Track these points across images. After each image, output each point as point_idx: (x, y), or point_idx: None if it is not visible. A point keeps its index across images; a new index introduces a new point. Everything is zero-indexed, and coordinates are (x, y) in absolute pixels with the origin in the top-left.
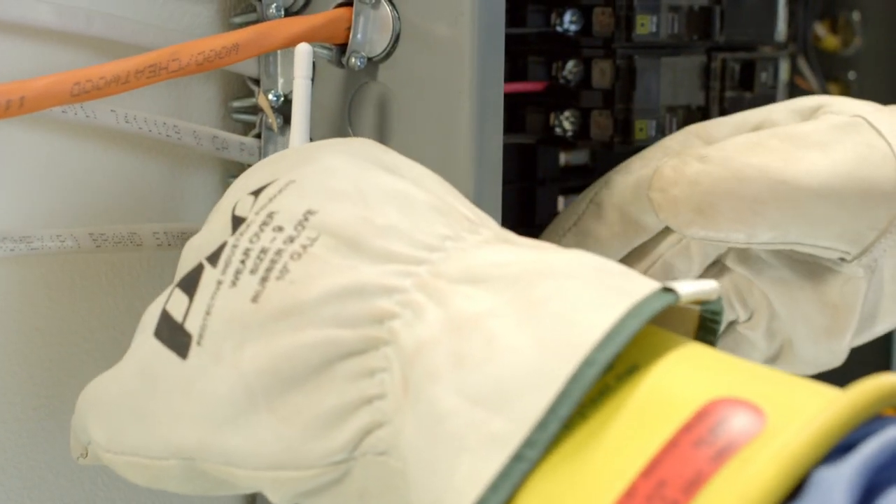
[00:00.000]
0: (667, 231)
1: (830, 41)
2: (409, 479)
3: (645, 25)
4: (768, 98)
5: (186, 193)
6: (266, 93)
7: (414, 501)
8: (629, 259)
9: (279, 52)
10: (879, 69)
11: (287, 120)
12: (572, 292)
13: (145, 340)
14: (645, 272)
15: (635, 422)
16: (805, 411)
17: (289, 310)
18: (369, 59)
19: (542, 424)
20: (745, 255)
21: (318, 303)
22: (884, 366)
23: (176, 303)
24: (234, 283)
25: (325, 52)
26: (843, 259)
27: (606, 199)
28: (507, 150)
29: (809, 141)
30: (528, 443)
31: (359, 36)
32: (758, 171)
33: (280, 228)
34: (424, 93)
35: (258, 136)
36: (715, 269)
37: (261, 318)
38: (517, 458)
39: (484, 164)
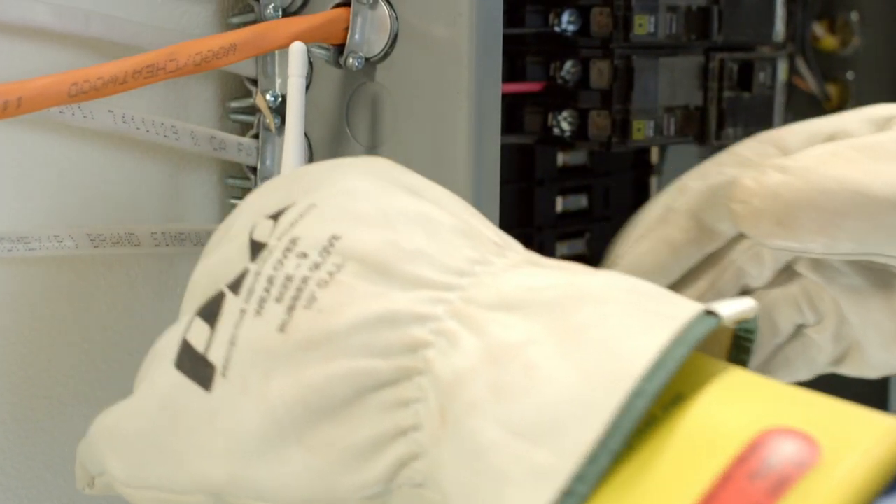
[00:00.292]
0: (740, 236)
1: (829, 41)
2: None
3: (643, 26)
4: (766, 99)
5: (184, 194)
6: (264, 93)
7: None
8: (702, 265)
9: (277, 52)
10: (878, 69)
11: (285, 120)
12: (612, 318)
13: (165, 372)
14: (718, 278)
15: (686, 454)
16: (861, 441)
17: (318, 339)
18: (367, 60)
19: (592, 458)
20: (817, 263)
21: (348, 332)
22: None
23: (197, 332)
24: (258, 312)
25: (322, 52)
26: None
27: (682, 205)
28: (505, 150)
29: (887, 152)
30: (579, 477)
31: (356, 36)
32: (838, 183)
33: (304, 255)
34: (422, 93)
35: (256, 136)
36: (785, 274)
37: (288, 349)
38: (568, 492)
39: (482, 165)
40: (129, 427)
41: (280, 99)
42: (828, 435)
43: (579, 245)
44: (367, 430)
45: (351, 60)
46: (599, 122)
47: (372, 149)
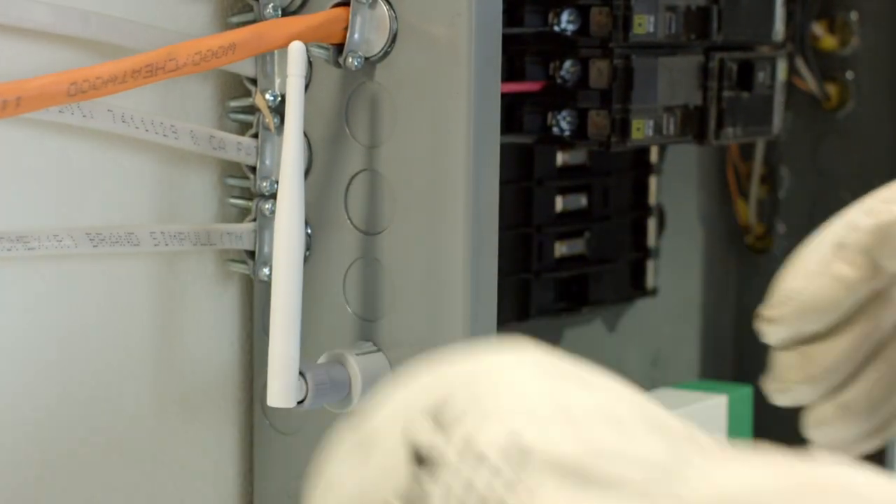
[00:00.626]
0: None
1: (828, 41)
2: None
3: (642, 25)
4: (766, 98)
5: (183, 193)
6: (263, 92)
7: None
8: (871, 303)
9: (276, 51)
10: (877, 69)
11: (284, 120)
12: None
13: None
14: (879, 313)
15: None
16: None
17: None
18: (366, 59)
19: None
20: None
21: None
22: None
23: None
24: None
25: (322, 51)
26: None
27: (854, 242)
28: (505, 149)
29: None
30: None
31: (356, 36)
32: None
33: (488, 463)
34: (421, 92)
35: (255, 135)
36: None
37: None
38: None
39: (481, 164)
40: None
41: (279, 98)
42: None
43: (579, 245)
44: None
45: (350, 60)
46: (599, 122)
47: (371, 148)
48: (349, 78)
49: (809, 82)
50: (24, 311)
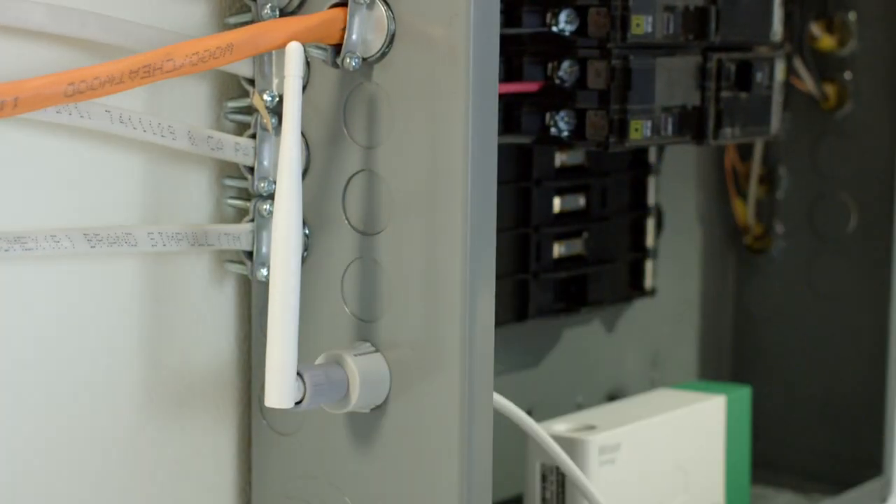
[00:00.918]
0: None
1: (826, 41)
2: None
3: (640, 26)
4: (764, 98)
5: (181, 194)
6: (261, 93)
7: None
8: None
9: (274, 52)
10: (875, 69)
11: (282, 120)
12: None
13: None
14: None
15: None
16: None
17: None
18: (364, 60)
19: None
20: None
21: None
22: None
23: None
24: None
25: (319, 52)
26: None
27: None
28: (503, 150)
29: None
30: None
31: (353, 36)
32: None
33: None
34: (419, 93)
35: (253, 136)
36: None
37: None
38: None
39: (479, 165)
40: None
41: (277, 99)
42: None
43: (577, 245)
44: None
45: (348, 60)
46: (597, 122)
47: (369, 148)
48: (347, 78)
49: (808, 82)
50: (20, 311)
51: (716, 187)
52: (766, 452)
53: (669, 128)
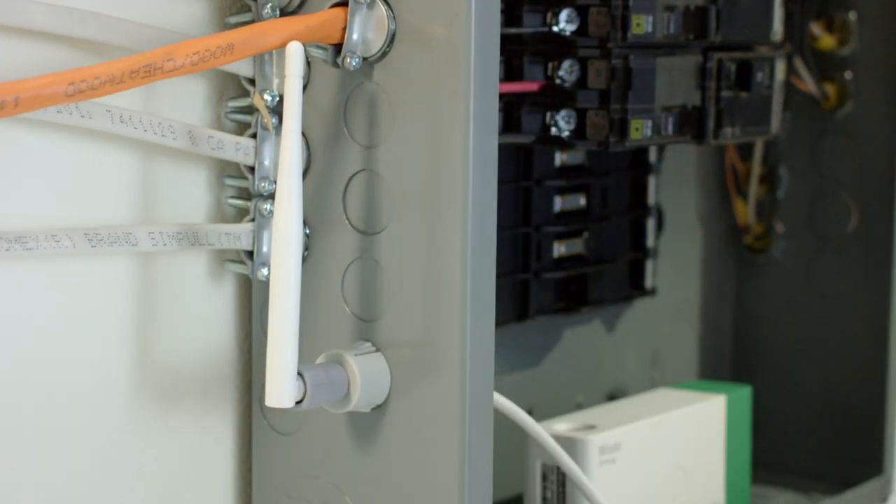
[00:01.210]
0: None
1: (827, 41)
2: None
3: (640, 25)
4: (764, 98)
5: (181, 194)
6: (261, 93)
7: None
8: None
9: (274, 52)
10: (876, 69)
11: (283, 120)
12: None
13: None
14: None
15: None
16: None
17: None
18: (364, 60)
19: None
20: None
21: None
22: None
23: None
24: None
25: (320, 52)
26: None
27: None
28: (503, 150)
29: None
30: None
31: (354, 36)
32: None
33: None
34: (420, 93)
35: (254, 136)
36: None
37: None
38: None
39: (480, 165)
40: None
41: (277, 99)
42: None
43: (577, 245)
44: None
45: (348, 60)
46: (597, 122)
47: (370, 148)
48: (347, 78)
49: (808, 82)
50: (21, 310)
51: (716, 187)
52: (767, 452)
53: (670, 127)
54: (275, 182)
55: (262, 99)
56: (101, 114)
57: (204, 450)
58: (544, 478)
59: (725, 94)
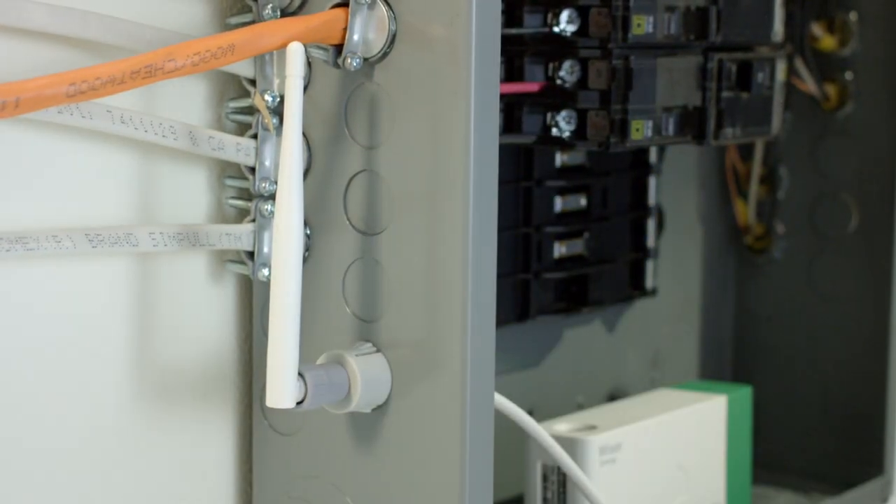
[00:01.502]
0: None
1: (827, 41)
2: None
3: (641, 26)
4: (765, 99)
5: (182, 194)
6: (262, 93)
7: None
8: None
9: (275, 52)
10: (876, 69)
11: (283, 120)
12: None
13: None
14: None
15: None
16: None
17: None
18: (365, 60)
19: None
20: None
21: None
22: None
23: None
24: None
25: (321, 52)
26: None
27: None
28: (504, 150)
29: None
30: None
31: (355, 37)
32: None
33: None
34: (420, 93)
35: (254, 136)
36: None
37: None
38: None
39: (480, 165)
40: None
41: (278, 99)
42: None
43: (578, 245)
44: None
45: (349, 61)
46: (598, 123)
47: (370, 149)
48: (348, 79)
49: (808, 83)
50: (22, 310)
51: (717, 187)
52: (767, 452)
53: (670, 128)
54: (275, 182)
55: (263, 99)
56: (101, 114)
57: (204, 450)
58: (545, 478)
59: (726, 94)
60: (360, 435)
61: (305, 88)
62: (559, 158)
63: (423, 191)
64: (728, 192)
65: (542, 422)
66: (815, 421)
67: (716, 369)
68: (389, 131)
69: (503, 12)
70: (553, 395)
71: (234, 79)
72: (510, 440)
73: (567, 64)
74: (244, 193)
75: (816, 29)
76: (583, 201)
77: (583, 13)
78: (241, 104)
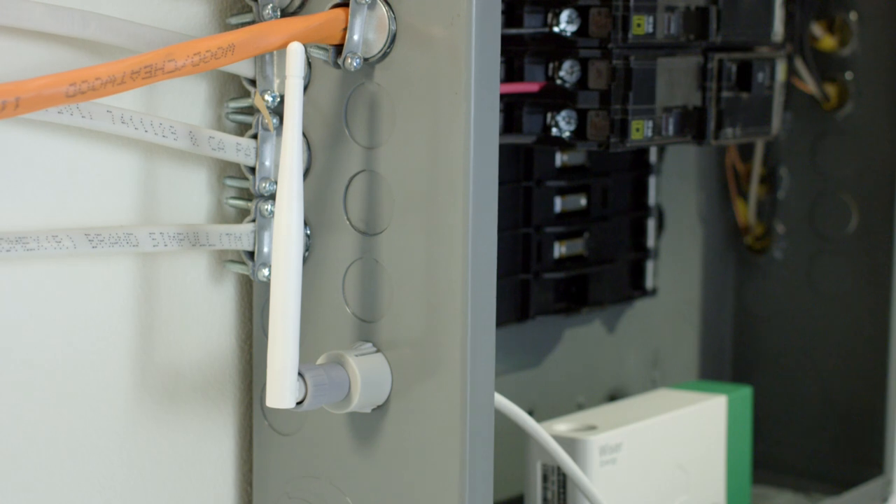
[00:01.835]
0: None
1: (827, 41)
2: None
3: (641, 26)
4: (765, 99)
5: (182, 194)
6: (262, 93)
7: None
8: None
9: (275, 52)
10: (876, 69)
11: (283, 120)
12: None
13: None
14: None
15: None
16: None
17: None
18: (365, 60)
19: None
20: None
21: None
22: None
23: None
24: None
25: (321, 52)
26: None
27: None
28: (504, 150)
29: None
30: None
31: (355, 37)
32: None
33: None
34: (420, 93)
35: (254, 136)
36: None
37: None
38: None
39: (480, 165)
40: None
41: (278, 99)
42: None
43: (578, 245)
44: None
45: (349, 61)
46: (598, 123)
47: (370, 149)
48: (348, 79)
49: (808, 83)
50: (20, 311)
51: (716, 187)
52: (767, 452)
53: (670, 128)
54: (276, 183)
55: (263, 99)
56: (101, 114)
57: (204, 450)
58: (545, 478)
59: (726, 94)
60: (360, 435)
61: (305, 88)
62: (559, 158)
63: (423, 191)
64: (728, 193)
65: (542, 422)
66: (814, 421)
67: (716, 369)
68: (389, 131)
69: (503, 12)
70: (553, 396)
71: (235, 79)
72: (510, 440)
73: (567, 64)
74: (244, 193)
75: (816, 29)
76: (583, 201)
77: (583, 13)
78: (242, 104)
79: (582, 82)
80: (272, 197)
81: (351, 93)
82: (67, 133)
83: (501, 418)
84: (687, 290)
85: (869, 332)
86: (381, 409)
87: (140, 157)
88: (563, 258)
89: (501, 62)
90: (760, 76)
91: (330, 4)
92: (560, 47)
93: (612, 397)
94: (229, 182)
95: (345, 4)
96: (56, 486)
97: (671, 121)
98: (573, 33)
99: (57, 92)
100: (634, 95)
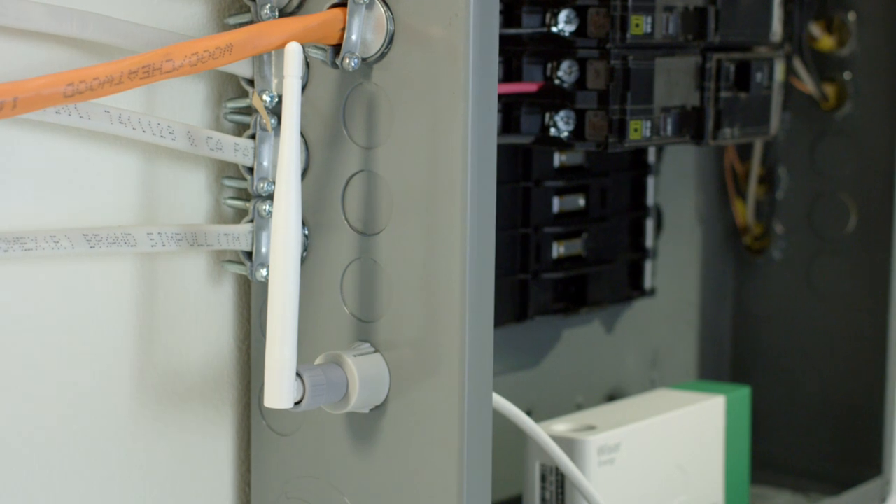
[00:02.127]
0: None
1: (826, 41)
2: None
3: (639, 26)
4: (763, 99)
5: (180, 194)
6: (260, 93)
7: None
8: None
9: (273, 52)
10: (875, 69)
11: (282, 120)
12: None
13: None
14: None
15: None
16: None
17: None
18: (363, 60)
19: None
20: None
21: None
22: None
23: None
24: None
25: (319, 52)
26: None
27: None
28: (502, 150)
29: None
30: None
31: (353, 37)
32: None
33: None
34: (419, 93)
35: (252, 136)
36: None
37: None
38: None
39: (478, 165)
40: None
41: (276, 99)
42: None
43: (576, 245)
44: None
45: (347, 61)
46: (596, 123)
47: (369, 149)
48: (346, 79)
49: (807, 83)
50: (20, 311)
51: (715, 187)
52: (766, 452)
53: (669, 128)
54: (274, 183)
55: (261, 100)
56: (99, 115)
57: (203, 450)
58: (543, 478)
59: (724, 94)
60: (358, 435)
61: (304, 89)
62: (557, 158)
63: (421, 191)
64: (727, 193)
65: (540, 422)
66: (813, 421)
67: (714, 369)
68: (388, 131)
69: (501, 12)
70: (552, 396)
71: (233, 79)
72: (509, 440)
73: (565, 64)
74: (242, 193)
75: (815, 29)
76: (581, 201)
77: (581, 13)
78: (240, 104)
79: (580, 82)
80: (270, 197)
81: (349, 93)
82: (65, 133)
83: (500, 418)
84: (686, 290)
85: (868, 333)
86: (379, 409)
87: (138, 158)
88: (561, 258)
89: (500, 62)
90: (759, 76)
91: (328, 4)
92: (558, 47)
93: (611, 397)
94: (227, 182)
95: (343, 4)
96: (54, 486)
97: (669, 121)
98: (571, 33)
99: (55, 92)
100: (633, 95)
